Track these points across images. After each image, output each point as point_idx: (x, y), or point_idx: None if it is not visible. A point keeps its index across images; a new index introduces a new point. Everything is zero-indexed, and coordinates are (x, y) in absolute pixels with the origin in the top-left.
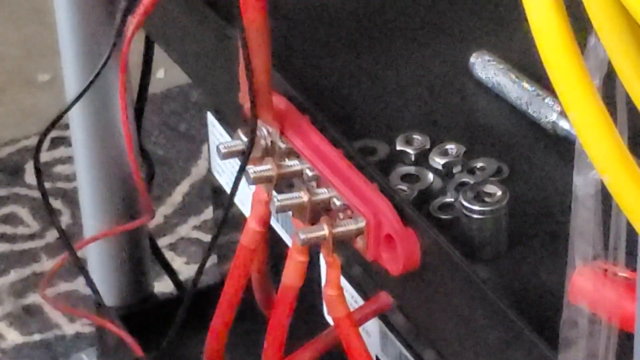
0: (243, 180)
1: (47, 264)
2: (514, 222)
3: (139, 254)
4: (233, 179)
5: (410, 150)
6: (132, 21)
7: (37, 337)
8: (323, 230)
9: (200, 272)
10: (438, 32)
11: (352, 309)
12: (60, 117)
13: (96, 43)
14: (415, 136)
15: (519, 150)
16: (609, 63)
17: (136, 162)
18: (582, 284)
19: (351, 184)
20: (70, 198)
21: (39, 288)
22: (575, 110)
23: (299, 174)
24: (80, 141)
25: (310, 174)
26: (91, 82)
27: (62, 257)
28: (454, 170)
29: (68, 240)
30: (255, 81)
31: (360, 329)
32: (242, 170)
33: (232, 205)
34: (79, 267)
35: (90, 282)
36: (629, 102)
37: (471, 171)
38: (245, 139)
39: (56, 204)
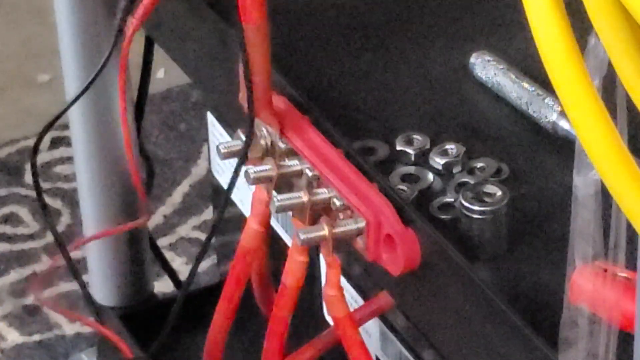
0: (243, 180)
1: (47, 264)
2: (514, 222)
3: (139, 254)
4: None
5: (410, 150)
6: (132, 21)
7: (37, 337)
8: (323, 230)
9: (194, 272)
10: (438, 32)
11: (352, 309)
12: (59, 116)
13: (96, 43)
14: (415, 136)
15: (519, 150)
16: (609, 63)
17: (135, 164)
18: (582, 284)
19: (351, 184)
20: (70, 198)
21: (34, 291)
22: (575, 110)
23: (299, 174)
24: (80, 141)
25: (310, 174)
26: (91, 82)
27: (56, 259)
28: (454, 170)
29: (63, 242)
30: (254, 81)
31: (360, 329)
32: (238, 168)
33: (227, 205)
34: (72, 270)
35: (82, 285)
36: (629, 102)
37: (471, 171)
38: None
39: (56, 204)
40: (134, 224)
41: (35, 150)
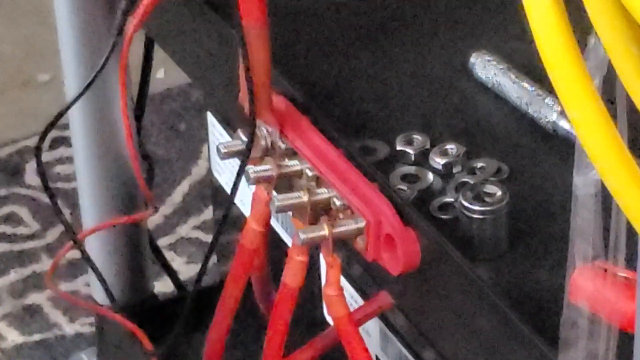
0: (243, 180)
1: (47, 264)
2: (514, 222)
3: (139, 254)
4: (233, 179)
5: (410, 150)
6: (132, 21)
7: (37, 337)
8: (323, 230)
9: (201, 275)
10: (438, 32)
11: (352, 309)
12: (60, 116)
13: (96, 43)
14: (415, 136)
15: (519, 150)
16: (609, 63)
17: (137, 160)
18: (582, 284)
19: (351, 184)
20: (70, 198)
21: (46, 281)
22: (575, 110)
23: (299, 174)
24: (80, 141)
25: (310, 174)
26: (91, 82)
27: (66, 248)
28: (454, 170)
29: (74, 231)
30: (255, 81)
31: (360, 329)
32: (241, 170)
33: (232, 206)
34: (85, 258)
35: (98, 274)
36: (629, 102)
37: (471, 171)
38: (245, 139)
39: None
40: (142, 215)
41: (38, 149)
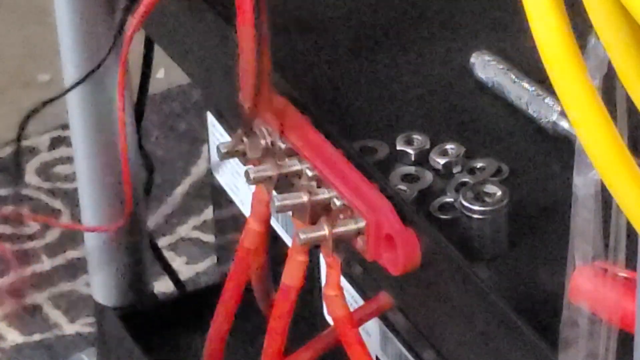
0: (243, 180)
1: (47, 264)
2: (514, 222)
3: (139, 253)
4: (233, 179)
5: (410, 150)
6: (132, 21)
7: (37, 337)
8: (323, 230)
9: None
10: (438, 32)
11: (352, 309)
12: (44, 104)
13: (96, 43)
14: (415, 136)
15: (519, 150)
16: (609, 63)
17: (129, 167)
18: (582, 284)
19: (351, 184)
20: (70, 198)
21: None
22: (575, 110)
23: (299, 174)
24: (80, 141)
25: (310, 174)
26: (86, 77)
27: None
28: (454, 170)
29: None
30: (255, 80)
31: (360, 329)
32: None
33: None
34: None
35: None
36: (629, 102)
37: (471, 171)
38: (245, 139)
39: (56, 204)
40: (107, 227)
41: (18, 139)
